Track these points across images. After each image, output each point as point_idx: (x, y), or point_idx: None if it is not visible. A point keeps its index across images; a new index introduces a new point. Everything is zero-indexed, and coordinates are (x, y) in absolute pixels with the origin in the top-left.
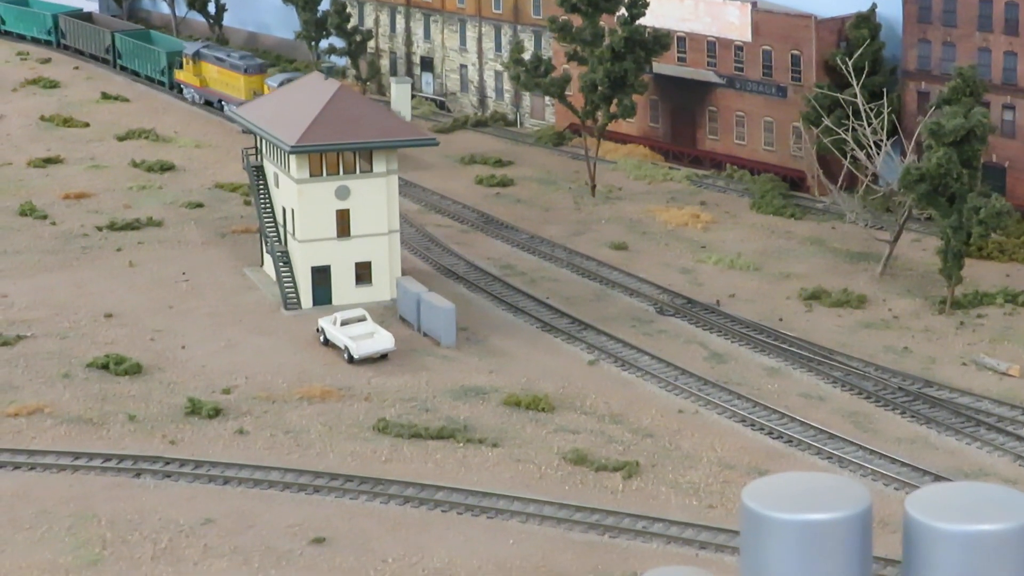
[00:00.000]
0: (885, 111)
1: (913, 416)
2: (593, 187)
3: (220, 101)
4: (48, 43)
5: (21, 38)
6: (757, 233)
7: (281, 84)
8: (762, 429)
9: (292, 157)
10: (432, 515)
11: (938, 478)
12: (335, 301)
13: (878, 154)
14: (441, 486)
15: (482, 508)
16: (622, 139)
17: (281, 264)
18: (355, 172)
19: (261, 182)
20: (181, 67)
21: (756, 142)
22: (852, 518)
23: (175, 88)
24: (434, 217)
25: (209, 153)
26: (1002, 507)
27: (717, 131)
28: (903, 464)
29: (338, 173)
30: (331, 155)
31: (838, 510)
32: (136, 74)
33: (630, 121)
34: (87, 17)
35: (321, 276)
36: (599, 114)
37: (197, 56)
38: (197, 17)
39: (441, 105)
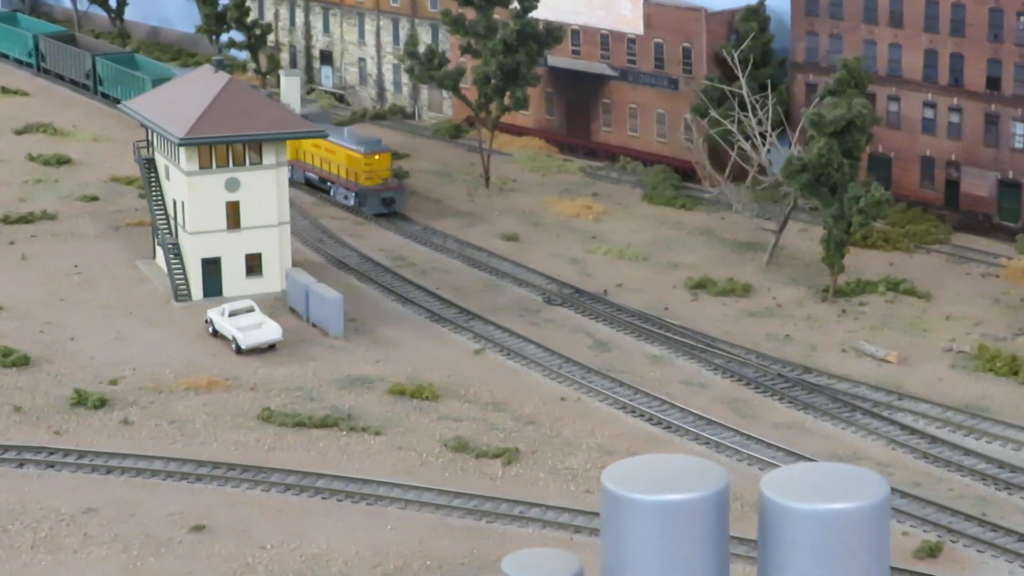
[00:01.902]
0: (770, 103)
1: (791, 402)
2: (487, 179)
3: None
4: (29, 65)
5: (4, 57)
6: (648, 224)
7: None
8: (642, 416)
9: (182, 150)
10: (313, 502)
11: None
12: (226, 292)
13: (764, 145)
14: (322, 474)
15: (362, 495)
16: (518, 131)
17: (172, 256)
18: (245, 164)
19: (153, 175)
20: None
21: (649, 134)
22: (709, 498)
23: None
24: (328, 209)
25: (107, 147)
26: (855, 487)
27: (611, 123)
28: (779, 449)
29: (228, 165)
30: (221, 147)
31: (695, 491)
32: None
33: (525, 113)
34: (70, 39)
35: (211, 268)
36: (493, 106)
37: None
38: (99, 11)
39: (340, 98)
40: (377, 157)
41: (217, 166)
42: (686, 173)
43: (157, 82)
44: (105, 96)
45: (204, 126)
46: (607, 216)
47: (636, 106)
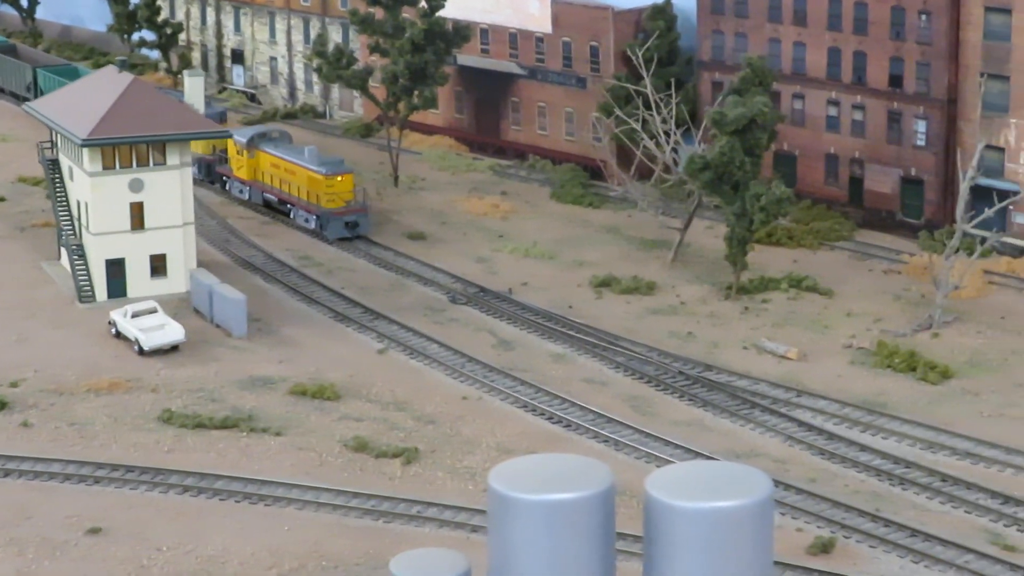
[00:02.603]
0: (674, 101)
1: (691, 399)
2: (396, 177)
3: None
4: None
5: None
6: (555, 222)
7: (251, 140)
8: (543, 414)
9: (85, 150)
10: (210, 504)
11: (708, 459)
12: (130, 294)
13: (668, 144)
14: (221, 475)
15: (260, 496)
16: (428, 130)
17: (76, 257)
18: (148, 165)
19: (57, 176)
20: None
21: (558, 132)
22: (594, 497)
23: None
24: (236, 209)
25: (15, 147)
26: (738, 485)
27: (520, 122)
28: (677, 446)
29: (131, 166)
30: (124, 148)
31: (581, 490)
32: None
33: (436, 112)
34: (11, 50)
35: (116, 269)
36: (401, 106)
37: None
38: (10, 11)
39: (252, 98)
40: (340, 178)
41: (120, 167)
42: (594, 171)
43: None
44: None
45: (107, 127)
46: (515, 214)
47: (545, 105)
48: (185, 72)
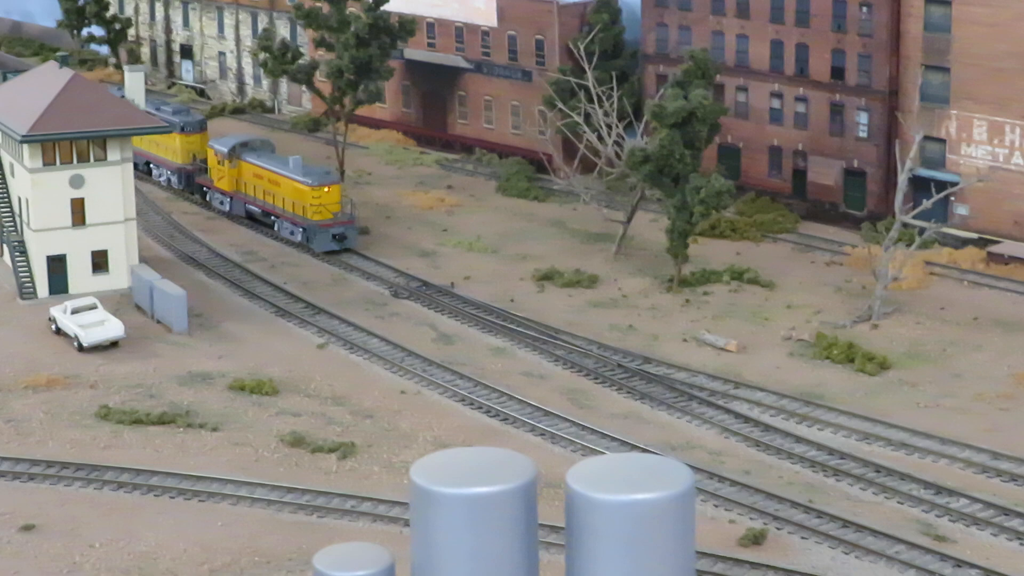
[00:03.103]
0: (615, 94)
1: (629, 392)
2: (342, 172)
3: (148, 164)
4: None
5: None
6: (500, 216)
7: (232, 149)
8: (481, 408)
9: (25, 146)
10: (145, 500)
11: (644, 451)
12: (72, 290)
13: (610, 136)
14: (156, 471)
15: (195, 492)
16: (376, 124)
17: (17, 254)
18: (89, 161)
19: None
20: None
21: (504, 126)
22: (516, 490)
23: None
24: (181, 204)
25: None
26: (659, 477)
27: (467, 116)
28: (613, 439)
29: (72, 162)
30: (64, 144)
31: (502, 483)
32: None
33: (384, 107)
34: None
35: (57, 265)
36: (347, 100)
37: None
38: None
39: (201, 93)
40: (326, 189)
41: (61, 163)
42: (541, 165)
43: None
44: None
45: (47, 123)
46: (460, 208)
47: (491, 98)
48: (125, 67)
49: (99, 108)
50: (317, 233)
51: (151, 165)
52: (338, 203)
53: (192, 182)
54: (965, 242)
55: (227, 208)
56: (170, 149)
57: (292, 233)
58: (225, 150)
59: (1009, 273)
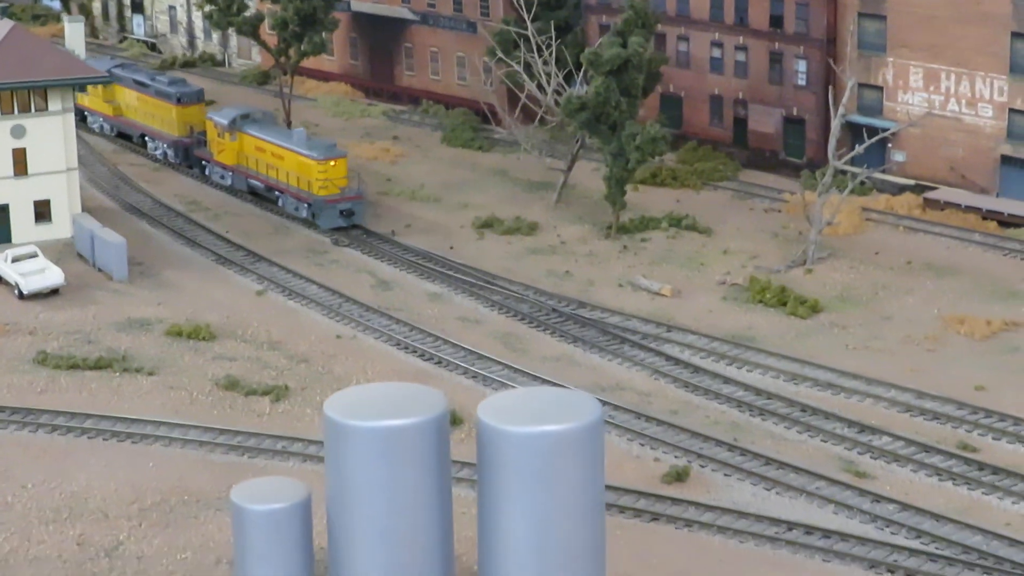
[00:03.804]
0: (554, 44)
1: (563, 336)
2: (289, 123)
3: (143, 136)
4: None
5: None
6: (443, 166)
7: (233, 121)
8: (415, 352)
9: None
10: (78, 442)
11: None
12: (15, 239)
13: (549, 86)
14: (90, 414)
15: (128, 434)
16: (324, 76)
17: None
18: (30, 111)
19: None
20: (84, 89)
21: (450, 77)
22: (427, 423)
23: (76, 115)
24: (128, 156)
25: None
26: (568, 410)
27: (413, 67)
28: (544, 380)
29: (13, 112)
30: (5, 94)
31: (414, 416)
32: None
33: (331, 59)
34: None
35: None
36: (292, 52)
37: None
38: None
39: (152, 47)
40: (333, 163)
41: (2, 113)
42: (487, 116)
43: None
44: None
45: None
46: (404, 159)
47: (437, 50)
48: (65, 17)
49: (40, 58)
50: (324, 209)
51: (146, 137)
52: (345, 177)
53: (190, 155)
54: (902, 189)
55: (228, 183)
56: (166, 121)
57: (297, 209)
58: (225, 122)
59: (944, 219)
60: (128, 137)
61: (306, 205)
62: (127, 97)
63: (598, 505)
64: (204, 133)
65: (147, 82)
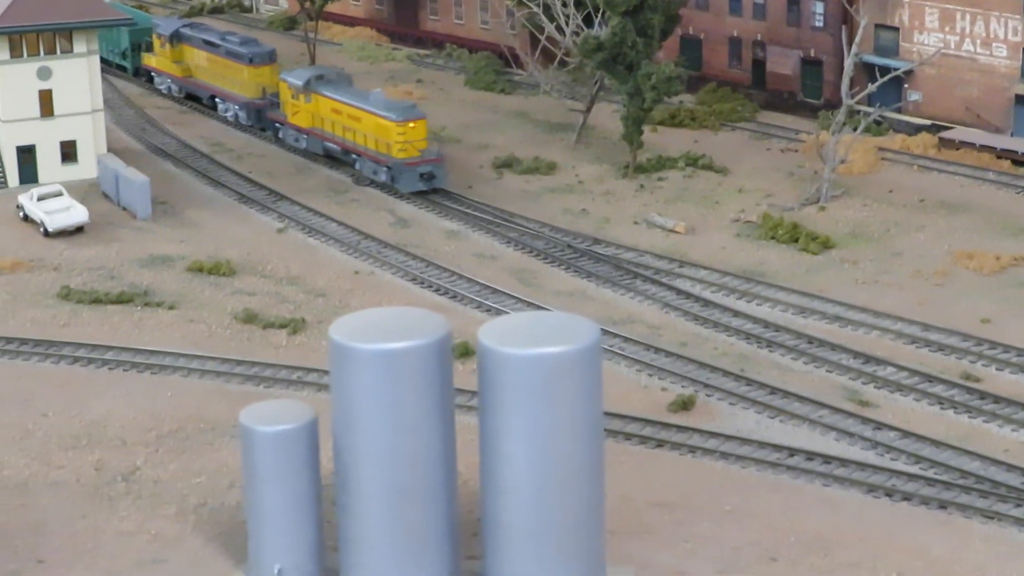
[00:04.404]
0: None
1: (576, 271)
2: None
3: (213, 98)
4: None
5: None
6: (465, 107)
7: (307, 83)
8: (431, 287)
9: None
10: (98, 373)
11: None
12: (42, 179)
13: (568, 27)
14: (111, 346)
15: (147, 365)
16: (351, 22)
17: None
18: (56, 53)
19: None
20: (151, 50)
21: (473, 21)
22: (429, 346)
23: (142, 75)
24: (155, 99)
25: None
26: (567, 333)
27: (437, 12)
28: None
29: (39, 54)
30: (31, 36)
31: (416, 339)
32: None
33: (357, 4)
34: None
35: (27, 155)
36: None
37: (176, 38)
38: None
39: None
40: (412, 125)
41: (28, 55)
42: (509, 59)
43: (137, 33)
44: None
45: (14, 15)
46: (426, 100)
47: None
48: None
49: (65, 1)
50: (403, 172)
51: (216, 99)
52: (424, 139)
53: (263, 118)
54: (918, 129)
55: (303, 145)
56: (237, 82)
57: (375, 172)
58: (300, 83)
59: (959, 158)
60: (197, 99)
61: (385, 168)
62: (196, 58)
63: (596, 426)
64: (277, 95)
65: (217, 42)
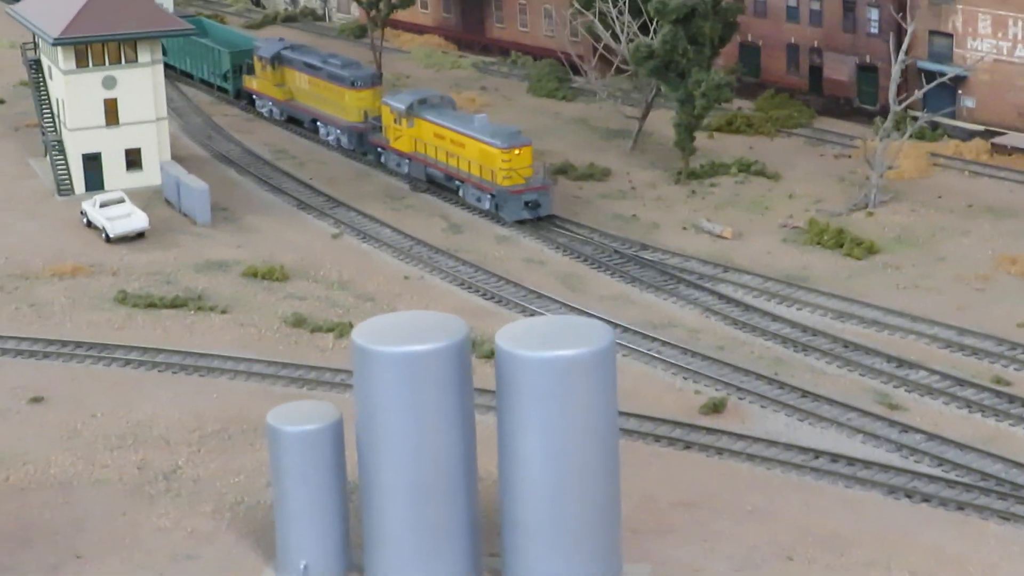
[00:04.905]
0: None
1: (622, 276)
2: (380, 75)
3: (315, 122)
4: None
5: None
6: (526, 114)
7: (410, 107)
8: (478, 291)
9: (59, 49)
10: (148, 375)
11: (626, 330)
12: (107, 186)
13: (623, 35)
14: (162, 349)
15: (195, 368)
16: (419, 30)
17: (55, 152)
18: (121, 63)
19: (40, 76)
20: (253, 72)
21: (538, 29)
22: (449, 348)
23: (244, 98)
24: (223, 107)
25: (18, 53)
26: (581, 336)
27: (503, 20)
28: (598, 318)
29: (104, 64)
30: (96, 46)
31: (436, 342)
32: (188, 76)
33: (425, 12)
34: None
35: (92, 163)
36: (382, 4)
37: (277, 60)
38: None
39: (256, 2)
40: (517, 152)
41: (94, 65)
42: (574, 67)
43: (238, 55)
44: (171, 68)
45: (79, 26)
46: (489, 107)
47: (525, 2)
48: None
49: (129, 11)
50: (508, 200)
51: (318, 123)
52: (530, 166)
53: (365, 142)
54: (972, 134)
55: (405, 171)
56: (339, 106)
57: (479, 200)
58: (402, 107)
59: (1011, 164)
60: (299, 122)
61: (489, 196)
62: (298, 80)
63: (611, 426)
64: (379, 118)
65: (319, 65)
